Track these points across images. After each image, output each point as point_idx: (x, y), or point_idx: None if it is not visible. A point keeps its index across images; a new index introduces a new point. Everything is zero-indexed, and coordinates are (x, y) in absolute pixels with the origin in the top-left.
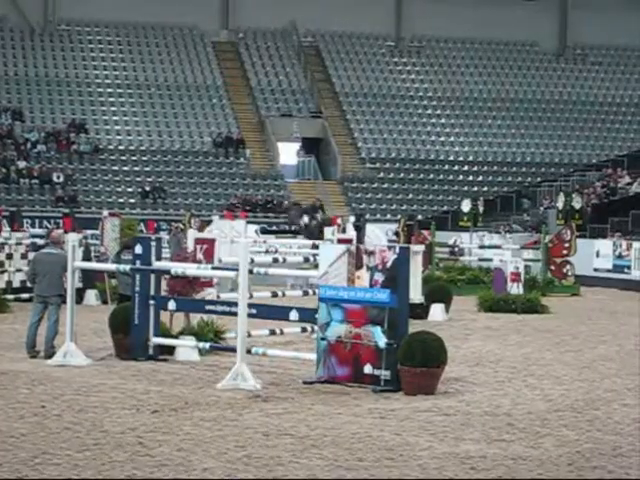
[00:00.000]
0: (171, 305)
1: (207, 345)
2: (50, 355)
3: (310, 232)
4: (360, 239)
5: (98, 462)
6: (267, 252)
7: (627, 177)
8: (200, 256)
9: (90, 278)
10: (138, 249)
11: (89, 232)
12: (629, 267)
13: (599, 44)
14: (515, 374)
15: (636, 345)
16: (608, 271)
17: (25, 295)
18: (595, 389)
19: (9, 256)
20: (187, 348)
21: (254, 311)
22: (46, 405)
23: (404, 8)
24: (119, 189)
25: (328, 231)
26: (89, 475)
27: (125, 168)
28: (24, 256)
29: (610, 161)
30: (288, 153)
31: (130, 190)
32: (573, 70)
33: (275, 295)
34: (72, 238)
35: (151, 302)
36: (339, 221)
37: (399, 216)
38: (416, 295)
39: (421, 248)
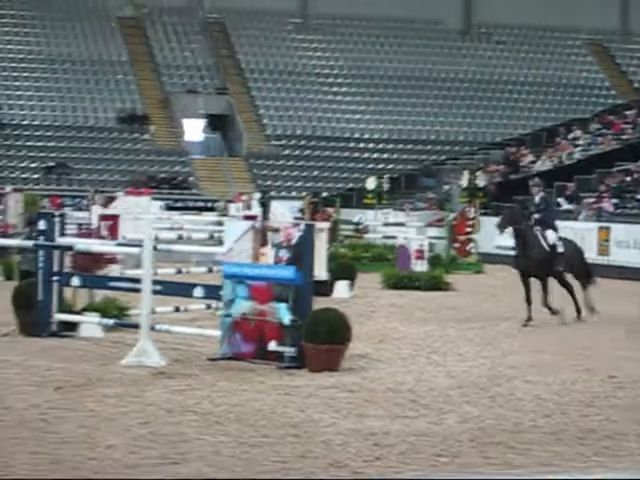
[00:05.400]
0: (75, 281)
1: (111, 321)
2: None
3: None
4: (265, 216)
5: (1, 438)
6: (172, 229)
7: (530, 155)
8: (104, 232)
9: None
10: (42, 225)
11: None
12: None
13: (504, 23)
14: (419, 351)
15: (538, 322)
16: (511, 249)
17: None
18: (497, 366)
19: None
20: (91, 324)
21: (159, 288)
22: None
23: None
24: (22, 164)
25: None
26: None
27: (28, 143)
28: None
29: (514, 139)
30: (193, 130)
31: (33, 165)
32: (478, 49)
33: (180, 272)
34: None
35: (55, 278)
36: (244, 198)
37: (304, 193)
38: (321, 272)
39: (326, 225)
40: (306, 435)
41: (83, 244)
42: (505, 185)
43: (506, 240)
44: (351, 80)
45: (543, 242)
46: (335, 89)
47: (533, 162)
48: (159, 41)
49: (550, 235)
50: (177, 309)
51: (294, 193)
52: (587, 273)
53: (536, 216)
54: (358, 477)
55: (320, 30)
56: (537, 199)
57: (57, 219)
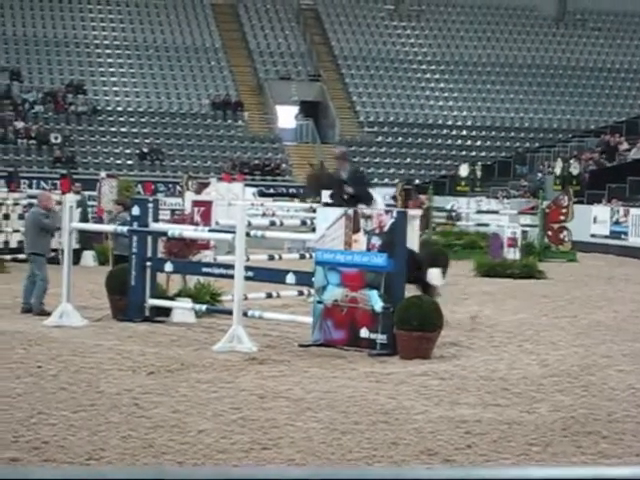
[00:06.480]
0: (168, 267)
1: (203, 307)
2: (38, 312)
3: None
4: None
5: (94, 423)
6: (264, 215)
7: (625, 143)
8: (197, 218)
9: (87, 239)
10: (135, 210)
11: (87, 193)
12: (626, 233)
13: (599, 10)
14: (511, 339)
15: (632, 311)
16: (605, 237)
17: (22, 255)
18: (591, 355)
19: (6, 216)
20: (183, 310)
21: (251, 274)
22: (42, 365)
23: None
24: (117, 150)
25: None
26: (84, 435)
27: (123, 129)
28: (21, 217)
29: (608, 127)
30: (286, 116)
31: (128, 151)
32: (572, 35)
33: (272, 258)
34: (69, 199)
35: (148, 264)
36: None
37: (397, 180)
38: None
39: (418, 212)
40: (397, 422)
41: (176, 230)
42: (599, 173)
43: (600, 229)
44: (444, 67)
45: None
46: (428, 76)
47: (628, 150)
48: (253, 28)
49: None
50: (269, 295)
51: (387, 180)
52: (419, 277)
53: (348, 192)
54: (449, 465)
55: (413, 17)
56: (344, 174)
57: (150, 205)
